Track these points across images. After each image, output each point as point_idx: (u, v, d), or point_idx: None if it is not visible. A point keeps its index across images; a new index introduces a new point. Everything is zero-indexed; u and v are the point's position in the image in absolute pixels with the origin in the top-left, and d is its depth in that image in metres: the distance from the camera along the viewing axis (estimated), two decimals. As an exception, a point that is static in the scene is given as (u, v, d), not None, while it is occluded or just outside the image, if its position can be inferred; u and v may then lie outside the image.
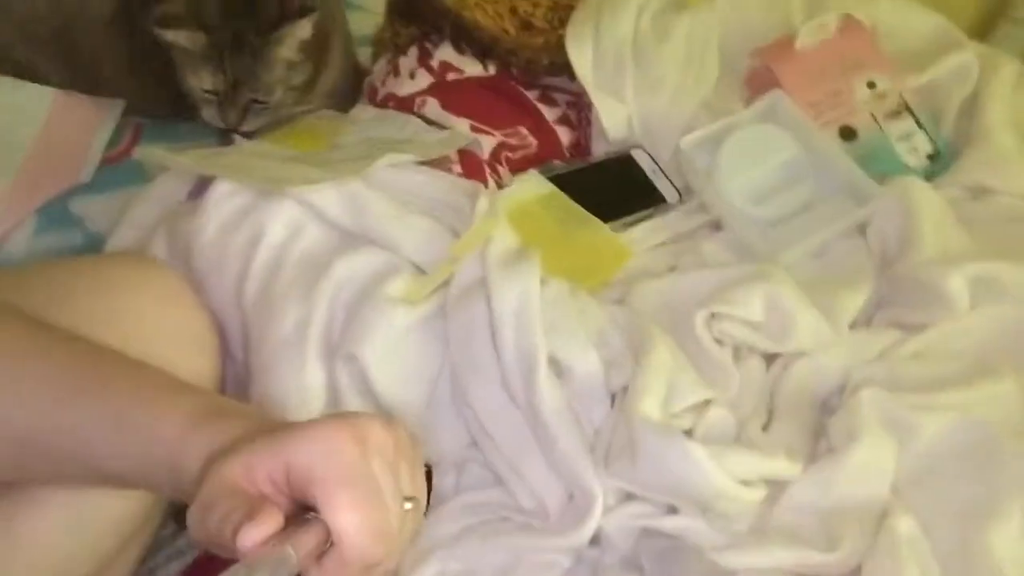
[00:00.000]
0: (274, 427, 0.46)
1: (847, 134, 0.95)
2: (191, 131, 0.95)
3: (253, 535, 0.40)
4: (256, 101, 0.85)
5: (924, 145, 0.95)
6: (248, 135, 0.90)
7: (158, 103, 0.99)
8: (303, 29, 0.86)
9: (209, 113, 0.87)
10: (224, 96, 0.83)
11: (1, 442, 0.51)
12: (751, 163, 0.90)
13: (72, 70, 0.98)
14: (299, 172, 0.76)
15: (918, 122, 0.96)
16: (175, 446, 0.46)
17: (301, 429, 0.44)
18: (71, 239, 0.87)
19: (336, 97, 1.00)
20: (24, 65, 0.98)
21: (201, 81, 0.82)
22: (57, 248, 0.86)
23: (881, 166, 0.92)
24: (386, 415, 0.58)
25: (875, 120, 0.95)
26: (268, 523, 0.41)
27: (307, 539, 0.42)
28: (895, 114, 0.96)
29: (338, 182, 0.74)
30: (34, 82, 0.95)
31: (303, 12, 0.85)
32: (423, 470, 0.50)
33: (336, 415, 0.46)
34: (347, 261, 0.72)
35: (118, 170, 0.91)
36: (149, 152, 0.90)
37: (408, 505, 0.46)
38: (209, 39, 0.80)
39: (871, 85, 0.97)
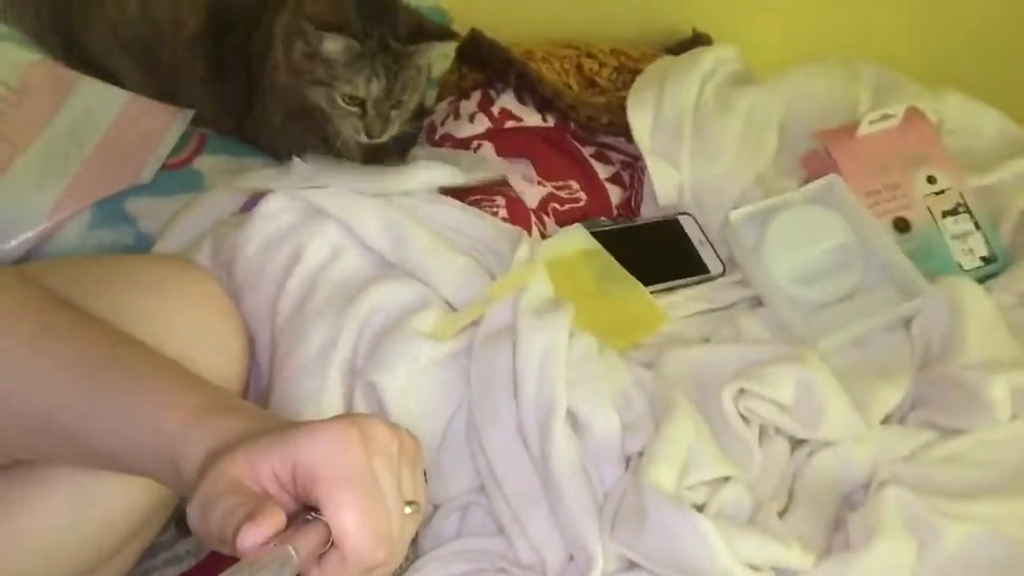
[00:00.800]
0: (280, 425, 0.46)
1: (901, 226, 0.93)
2: (252, 148, 0.98)
3: (255, 535, 0.40)
4: (395, 107, 0.85)
5: (980, 247, 0.93)
6: (381, 148, 0.90)
7: (226, 119, 1.02)
8: (444, 48, 0.87)
9: (350, 124, 0.85)
10: (374, 103, 0.84)
11: (16, 417, 0.52)
12: (800, 244, 0.89)
13: (150, 76, 1.02)
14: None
15: (976, 223, 0.94)
16: (177, 437, 0.46)
17: (308, 428, 0.44)
18: (123, 236, 0.89)
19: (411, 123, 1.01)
20: (105, 66, 1.02)
21: (355, 88, 0.82)
22: (108, 244, 0.88)
23: (933, 263, 0.90)
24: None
25: (931, 216, 0.94)
26: (270, 522, 0.41)
27: (308, 539, 0.42)
28: (952, 212, 0.94)
29: (384, 210, 0.75)
30: (113, 83, 0.99)
31: (449, 35, 0.87)
32: (424, 475, 0.50)
33: (342, 416, 0.46)
34: (380, 289, 0.72)
35: (178, 176, 0.93)
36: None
37: (408, 509, 0.46)
38: (362, 45, 0.81)
39: (931, 180, 0.95)
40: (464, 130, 0.95)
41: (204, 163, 0.96)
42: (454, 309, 0.74)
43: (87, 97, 0.94)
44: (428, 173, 0.81)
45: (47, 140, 0.89)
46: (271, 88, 0.96)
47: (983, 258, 0.93)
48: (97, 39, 1.01)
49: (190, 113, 0.98)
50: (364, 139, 0.86)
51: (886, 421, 0.76)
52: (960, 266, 0.92)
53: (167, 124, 0.95)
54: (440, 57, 1.05)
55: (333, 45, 0.81)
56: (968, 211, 0.95)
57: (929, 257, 0.91)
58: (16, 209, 0.83)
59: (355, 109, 0.83)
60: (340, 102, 0.83)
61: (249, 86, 0.99)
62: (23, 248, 0.84)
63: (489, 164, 0.88)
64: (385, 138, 0.86)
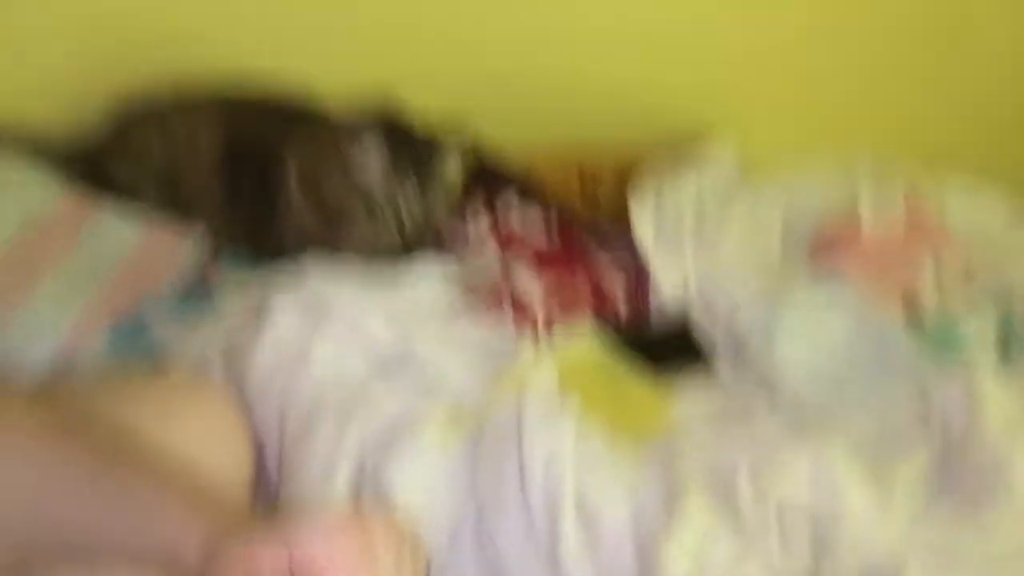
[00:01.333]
0: (279, 517, 0.46)
1: (912, 314, 0.92)
2: (266, 265, 1.01)
3: None
4: (424, 207, 0.91)
5: (993, 333, 0.92)
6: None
7: (242, 239, 1.06)
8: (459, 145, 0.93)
9: (388, 228, 0.91)
10: (408, 214, 0.90)
11: (28, 524, 0.52)
12: (809, 334, 0.89)
13: (170, 202, 1.07)
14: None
15: (989, 307, 0.93)
16: (176, 529, 0.47)
17: (307, 520, 0.45)
18: (139, 352, 0.90)
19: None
20: (127, 194, 1.07)
21: (395, 203, 0.89)
22: (125, 358, 0.90)
23: (947, 349, 0.89)
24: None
25: (943, 301, 0.93)
26: None
27: None
28: (963, 298, 0.94)
29: (389, 309, 0.76)
30: (135, 204, 1.04)
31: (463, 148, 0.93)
32: (427, 571, 0.49)
33: (342, 510, 0.46)
34: (386, 388, 0.73)
35: (194, 290, 0.96)
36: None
37: None
38: (393, 153, 0.89)
39: (939, 265, 0.95)
40: (470, 234, 0.97)
41: (219, 279, 0.99)
42: (460, 407, 0.74)
43: (109, 225, 0.98)
44: (434, 275, 0.82)
45: (69, 265, 0.92)
46: (287, 210, 1.00)
47: (997, 344, 0.91)
48: (121, 172, 1.07)
49: (207, 233, 1.01)
50: (398, 239, 0.90)
51: (905, 504, 0.73)
52: (974, 352, 0.90)
53: (184, 244, 0.99)
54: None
55: (374, 163, 0.89)
56: (979, 296, 0.94)
57: (942, 344, 0.90)
58: (36, 329, 0.86)
59: (392, 220, 0.89)
60: (379, 215, 0.89)
61: (265, 208, 1.04)
62: (41, 367, 0.86)
63: (493, 264, 0.90)
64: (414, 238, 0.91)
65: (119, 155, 1.07)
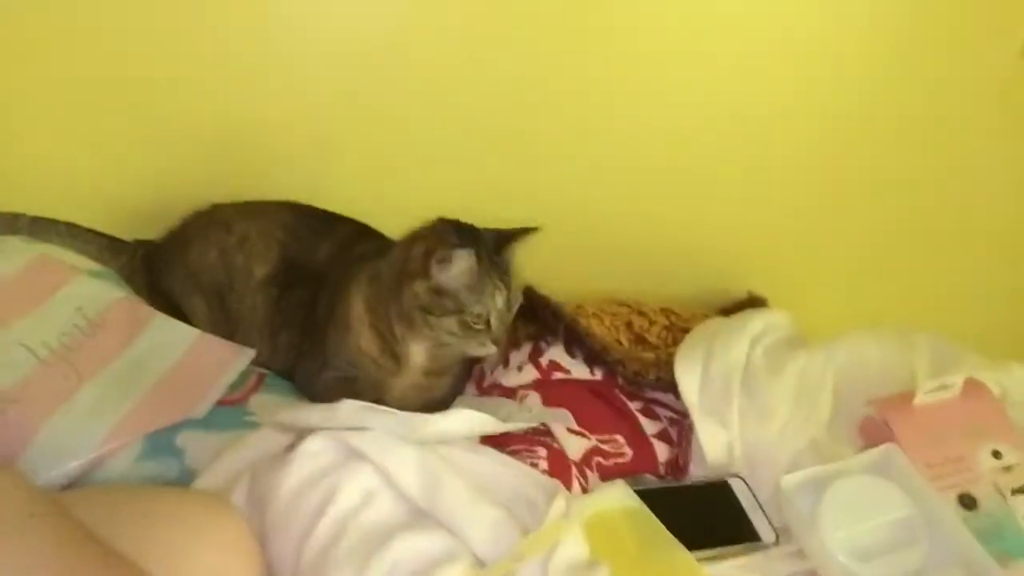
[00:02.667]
0: None
1: (967, 503, 0.88)
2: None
3: None
4: (508, 310, 0.91)
5: (1053, 527, 0.87)
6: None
7: (280, 363, 1.06)
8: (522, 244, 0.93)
9: (477, 342, 0.91)
10: (497, 315, 0.89)
11: None
12: (859, 516, 0.85)
13: (218, 318, 1.08)
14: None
15: (1048, 502, 0.88)
16: None
17: None
18: (169, 469, 0.90)
19: (456, 387, 1.04)
20: (180, 306, 1.09)
21: (487, 305, 0.88)
22: (153, 475, 0.89)
23: (1004, 543, 0.84)
24: None
25: (1000, 493, 0.89)
26: None
27: None
28: (1023, 490, 0.89)
29: (422, 457, 0.75)
30: (184, 321, 1.05)
31: (526, 232, 0.93)
32: None
33: None
34: (408, 540, 0.70)
35: (231, 412, 0.95)
36: (266, 405, 0.94)
37: None
38: (480, 267, 0.88)
39: (996, 455, 0.91)
40: (512, 379, 0.96)
41: (259, 402, 0.98)
42: (483, 564, 0.71)
43: (158, 333, 0.99)
44: (469, 421, 0.81)
45: (113, 372, 0.93)
46: (328, 346, 1.00)
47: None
48: (178, 280, 1.10)
49: (251, 352, 1.02)
50: (492, 350, 0.90)
51: None
52: (1033, 545, 0.85)
53: (229, 362, 0.99)
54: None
55: (465, 263, 0.88)
56: (1038, 486, 0.89)
57: (999, 538, 0.85)
58: (70, 437, 0.85)
59: (482, 327, 0.89)
60: (471, 323, 0.89)
61: (303, 338, 1.04)
62: (71, 475, 0.85)
63: (530, 412, 0.88)
64: (501, 347, 0.91)
65: (178, 267, 1.10)
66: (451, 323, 0.89)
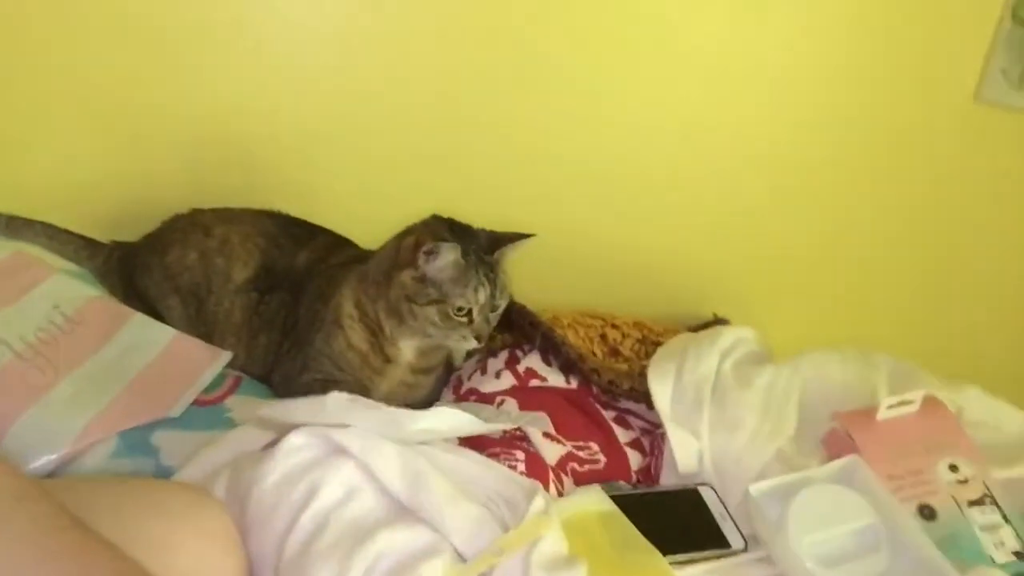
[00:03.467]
0: None
1: (927, 514, 0.91)
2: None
3: None
4: (492, 311, 0.93)
5: (1011, 540, 0.90)
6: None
7: (256, 367, 1.07)
8: (520, 249, 0.95)
9: (459, 335, 0.93)
10: (479, 310, 0.91)
11: None
12: (824, 523, 0.87)
13: (195, 319, 1.08)
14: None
15: (1004, 516, 0.92)
16: None
17: None
18: (144, 467, 0.89)
19: (436, 390, 1.06)
20: (155, 307, 1.09)
21: (465, 300, 0.90)
22: (127, 472, 0.88)
23: (962, 552, 0.87)
24: None
25: (957, 505, 0.92)
26: None
27: None
28: (979, 503, 0.92)
29: (405, 454, 0.76)
30: (161, 320, 1.05)
31: (520, 236, 0.95)
32: None
33: None
34: (391, 534, 0.71)
35: (207, 412, 0.95)
36: (243, 404, 0.95)
37: None
38: (465, 260, 0.90)
39: (953, 468, 0.95)
40: (489, 385, 0.98)
41: (235, 403, 0.98)
42: (464, 559, 0.72)
43: (136, 331, 0.99)
44: (452, 418, 0.82)
45: (90, 368, 0.93)
46: (311, 348, 1.01)
47: (1016, 553, 0.89)
48: (155, 282, 1.10)
49: (228, 355, 1.02)
50: (473, 344, 0.93)
51: None
52: (992, 559, 0.88)
53: (206, 363, 0.99)
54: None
55: (450, 255, 0.91)
56: (995, 503, 0.93)
57: (957, 547, 0.88)
58: (45, 432, 0.85)
59: (463, 319, 0.91)
60: (452, 314, 0.91)
61: (282, 341, 1.05)
62: (44, 470, 0.84)
63: (508, 415, 0.90)
64: (484, 342, 0.93)
65: (155, 268, 1.10)
66: (433, 313, 0.92)
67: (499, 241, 0.94)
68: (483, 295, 0.92)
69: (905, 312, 1.46)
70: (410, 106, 1.21)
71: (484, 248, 0.93)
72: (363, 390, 1.00)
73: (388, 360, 0.98)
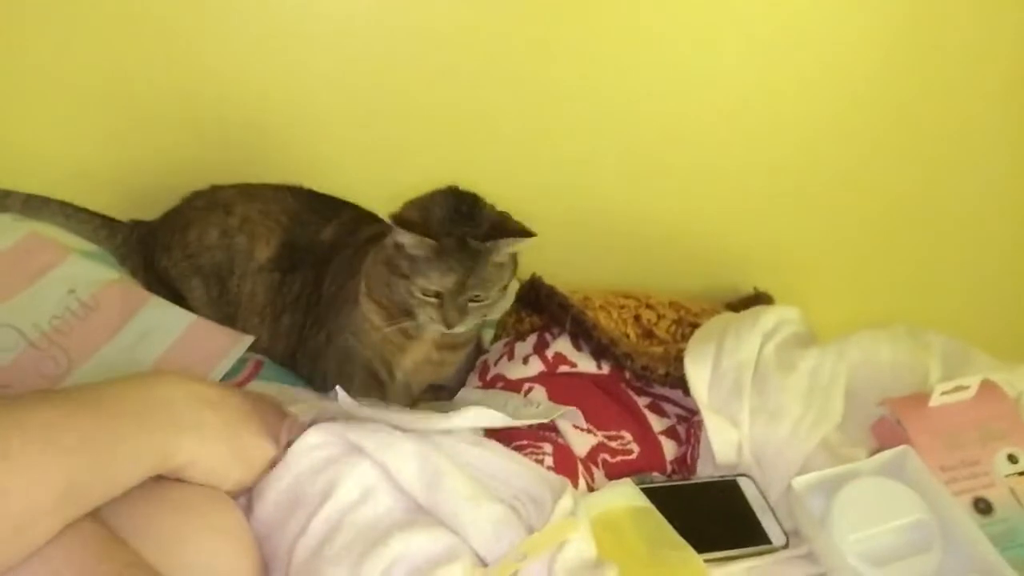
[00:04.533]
0: None
1: (983, 508, 0.86)
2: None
3: None
4: (472, 300, 0.89)
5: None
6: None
7: (280, 349, 1.04)
8: (521, 245, 0.90)
9: (427, 314, 0.89)
10: (449, 295, 0.87)
11: None
12: (871, 519, 0.82)
13: (217, 301, 1.06)
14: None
15: (1063, 508, 0.86)
16: None
17: None
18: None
19: (463, 370, 1.02)
20: (177, 288, 1.06)
21: (428, 281, 0.87)
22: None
23: (1020, 550, 0.82)
24: None
25: (1015, 498, 0.86)
26: None
27: None
28: (1037, 494, 0.87)
29: (422, 450, 0.72)
30: (181, 304, 1.03)
31: (525, 233, 0.90)
32: None
33: None
34: (407, 537, 0.67)
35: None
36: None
37: None
38: (439, 243, 0.86)
39: (1012, 459, 0.89)
40: (517, 372, 0.93)
41: (256, 389, 0.96)
42: (485, 563, 0.69)
43: (153, 316, 0.97)
44: (476, 419, 0.78)
45: (104, 357, 0.91)
46: (337, 321, 0.98)
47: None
48: (174, 263, 1.07)
49: (249, 339, 0.99)
50: (443, 328, 0.88)
51: None
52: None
53: (226, 348, 0.97)
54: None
55: (407, 240, 0.87)
56: (1054, 492, 0.87)
57: (1015, 543, 0.82)
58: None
59: (433, 300, 0.87)
60: (417, 293, 0.87)
61: (306, 318, 1.02)
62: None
63: (538, 408, 0.85)
64: (461, 329, 0.89)
65: (176, 248, 1.07)
66: (402, 287, 0.89)
67: (497, 232, 0.88)
68: (451, 281, 0.86)
69: (959, 288, 1.39)
70: (435, 75, 1.16)
71: (480, 234, 0.87)
72: (386, 365, 0.97)
73: (409, 336, 0.95)
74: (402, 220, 0.87)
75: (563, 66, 1.17)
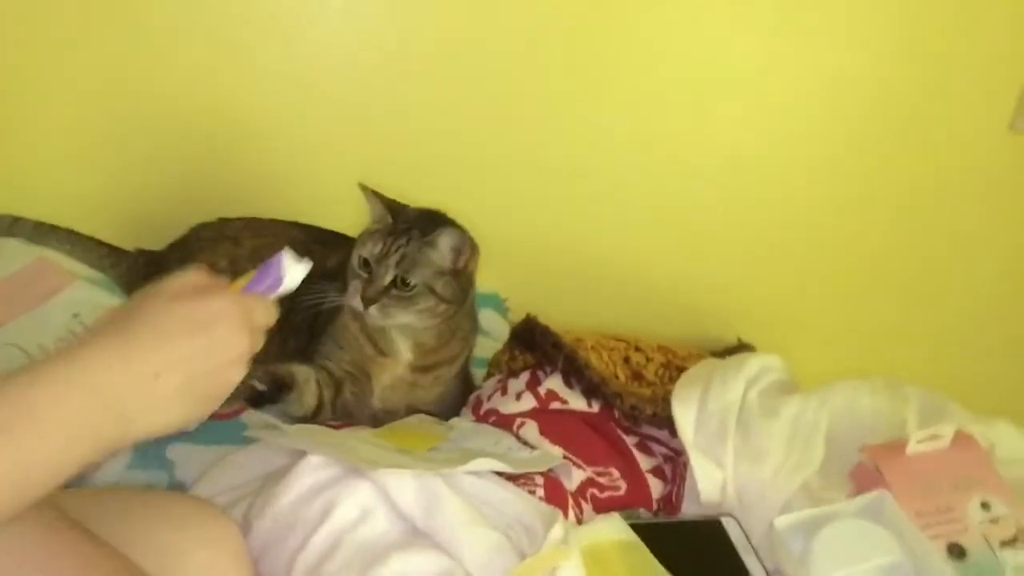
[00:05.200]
0: None
1: (957, 553, 0.88)
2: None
3: None
4: (395, 287, 0.93)
5: (1041, 578, 0.87)
6: (374, 322, 0.97)
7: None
8: (451, 238, 0.95)
9: (354, 286, 0.94)
10: (373, 270, 0.93)
11: None
12: (849, 559, 0.85)
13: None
14: (392, 459, 0.78)
15: (1034, 554, 0.89)
16: None
17: None
18: (158, 480, 0.88)
19: (446, 400, 1.05)
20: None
21: (363, 248, 0.94)
22: (142, 485, 0.87)
23: (989, 585, 0.84)
24: None
25: (988, 545, 0.89)
26: None
27: None
28: (1011, 543, 0.89)
29: (421, 476, 0.74)
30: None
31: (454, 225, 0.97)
32: None
33: None
34: (404, 558, 0.69)
35: (223, 426, 0.94)
36: (258, 422, 0.94)
37: None
38: (392, 224, 0.96)
39: (985, 506, 0.91)
40: (510, 407, 0.96)
41: (252, 416, 0.97)
42: (478, 588, 0.70)
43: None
44: (476, 465, 0.80)
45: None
46: (325, 337, 1.01)
47: (1046, 589, 0.86)
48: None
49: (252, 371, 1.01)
50: (359, 307, 0.93)
51: None
52: (1020, 590, 0.85)
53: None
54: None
55: (372, 205, 0.97)
56: (1026, 539, 0.90)
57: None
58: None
59: (362, 274, 0.94)
60: (355, 264, 0.95)
61: (310, 339, 1.04)
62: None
63: (532, 454, 0.88)
64: (375, 315, 0.94)
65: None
66: (351, 264, 0.96)
67: (432, 221, 0.97)
68: (378, 248, 0.94)
69: (936, 343, 1.43)
70: (429, 108, 1.21)
71: (425, 232, 0.95)
72: (366, 377, 1.01)
73: (383, 353, 0.99)
74: (374, 191, 0.97)
75: (563, 111, 1.22)
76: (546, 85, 1.20)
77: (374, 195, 0.98)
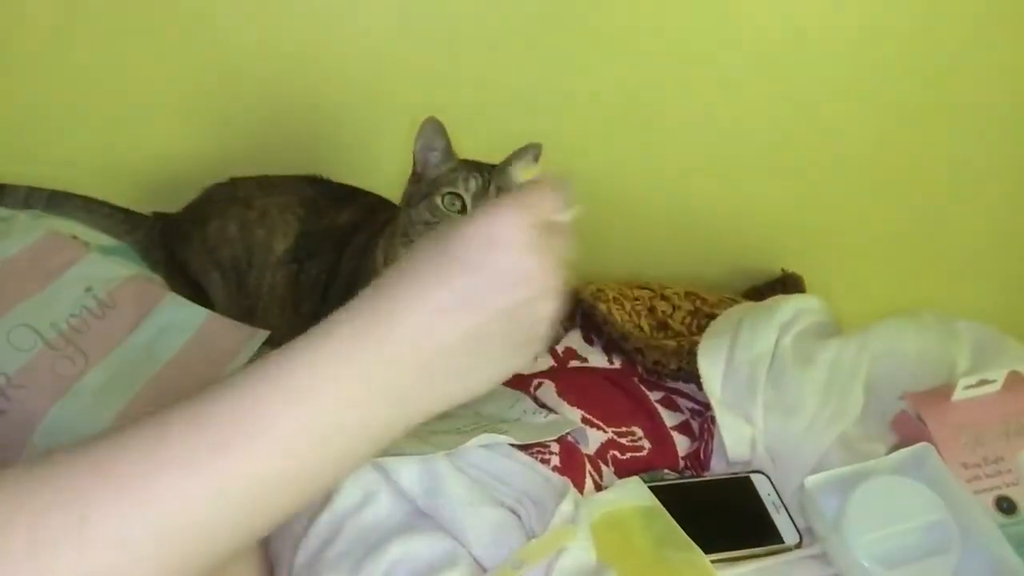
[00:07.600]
0: None
1: (1006, 507, 0.83)
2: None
3: None
4: None
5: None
6: None
7: (300, 334, 1.04)
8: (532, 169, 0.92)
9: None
10: (472, 199, 0.91)
11: None
12: (887, 519, 0.80)
13: (236, 294, 1.07)
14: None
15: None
16: None
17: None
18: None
19: None
20: (198, 281, 1.07)
21: (455, 186, 0.91)
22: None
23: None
24: None
25: (1039, 496, 0.83)
26: None
27: None
28: (1064, 494, 0.84)
29: (425, 457, 0.72)
30: (203, 297, 1.04)
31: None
32: None
33: None
34: (406, 542, 0.68)
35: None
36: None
37: None
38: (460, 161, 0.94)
39: (1037, 458, 0.86)
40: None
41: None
42: (484, 568, 0.69)
43: (168, 314, 0.97)
44: (487, 441, 0.77)
45: (121, 355, 0.92)
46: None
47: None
48: (195, 256, 1.08)
49: (265, 334, 1.00)
50: None
51: None
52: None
53: (240, 344, 0.97)
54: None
55: (434, 151, 0.93)
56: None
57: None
58: (76, 423, 0.84)
59: (456, 211, 0.90)
60: (441, 205, 0.90)
61: (323, 303, 1.03)
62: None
63: (546, 420, 0.85)
64: None
65: (196, 241, 1.08)
66: (424, 210, 0.91)
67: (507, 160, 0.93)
68: (474, 184, 0.90)
69: (997, 273, 1.33)
70: (458, 48, 1.15)
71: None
72: None
73: None
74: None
75: (585, 46, 1.15)
76: (572, 24, 1.12)
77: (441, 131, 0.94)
